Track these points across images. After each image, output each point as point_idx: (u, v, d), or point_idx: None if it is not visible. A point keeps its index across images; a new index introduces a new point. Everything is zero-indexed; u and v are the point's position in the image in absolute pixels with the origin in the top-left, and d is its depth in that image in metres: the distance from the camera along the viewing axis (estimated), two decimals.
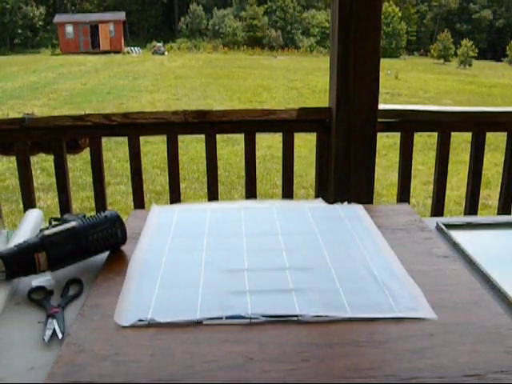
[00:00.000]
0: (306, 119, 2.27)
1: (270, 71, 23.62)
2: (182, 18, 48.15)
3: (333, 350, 0.76)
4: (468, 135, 2.36)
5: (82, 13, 43.56)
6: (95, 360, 0.73)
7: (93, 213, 1.11)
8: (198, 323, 0.82)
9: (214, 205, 1.49)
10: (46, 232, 0.97)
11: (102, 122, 2.19)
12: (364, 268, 0.98)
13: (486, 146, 2.33)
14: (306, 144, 7.08)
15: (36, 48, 40.19)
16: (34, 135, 2.24)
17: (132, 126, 2.21)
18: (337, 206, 1.32)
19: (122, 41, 38.38)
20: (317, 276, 0.96)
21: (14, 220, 4.97)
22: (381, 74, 2.12)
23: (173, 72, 22.45)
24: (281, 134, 2.28)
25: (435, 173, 2.35)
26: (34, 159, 2.94)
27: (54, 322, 0.83)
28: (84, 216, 1.04)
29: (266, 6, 46.44)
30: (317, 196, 2.29)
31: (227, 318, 0.82)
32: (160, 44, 36.69)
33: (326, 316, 0.83)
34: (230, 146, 8.29)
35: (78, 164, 6.90)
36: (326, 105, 2.26)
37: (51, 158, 2.30)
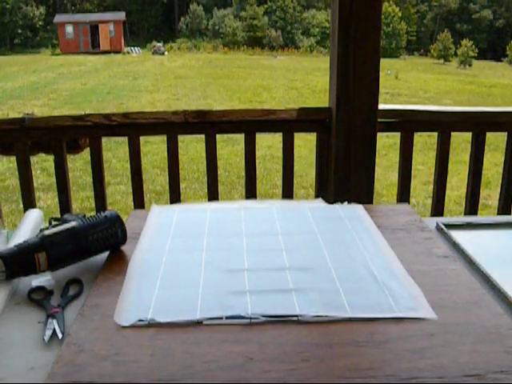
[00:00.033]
0: (306, 119, 2.27)
1: (270, 71, 23.62)
2: (182, 18, 48.16)
3: (333, 350, 0.76)
4: (468, 135, 2.36)
5: (82, 13, 43.56)
6: (95, 360, 0.73)
7: (93, 213, 1.11)
8: (198, 323, 0.82)
9: (213, 205, 1.49)
10: (46, 232, 0.97)
11: (101, 122, 2.19)
12: (364, 268, 0.98)
13: (486, 146, 2.33)
14: (306, 144, 7.08)
15: (36, 48, 40.19)
16: (34, 135, 2.24)
17: (132, 126, 2.21)
18: (337, 206, 1.32)
19: (122, 41, 38.38)
20: (317, 276, 0.96)
21: (14, 220, 4.97)
22: (381, 74, 2.12)
23: (173, 72, 22.45)
24: (281, 134, 2.28)
25: (435, 173, 2.35)
26: (34, 159, 2.94)
27: (54, 322, 0.83)
28: (84, 216, 1.04)
29: (266, 6, 46.44)
30: (317, 196, 2.29)
31: (227, 318, 0.82)
32: (160, 44, 36.69)
33: (326, 316, 0.83)
34: (230, 146, 8.29)
35: (78, 164, 6.90)
36: (326, 105, 2.26)
37: (51, 158, 2.30)
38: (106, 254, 1.05)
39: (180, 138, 2.27)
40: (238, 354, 0.74)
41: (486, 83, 21.78)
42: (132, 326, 0.81)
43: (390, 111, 2.28)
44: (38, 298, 0.91)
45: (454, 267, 0.99)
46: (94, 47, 36.97)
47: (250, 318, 0.82)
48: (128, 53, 35.23)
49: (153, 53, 34.63)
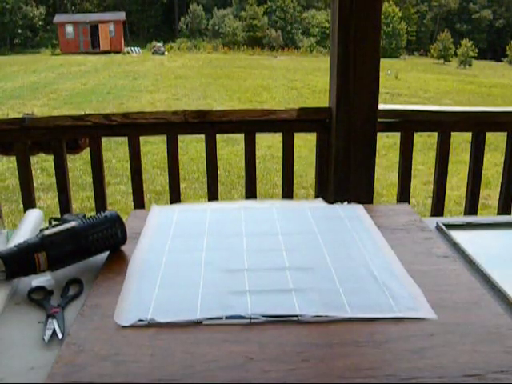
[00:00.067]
0: (306, 119, 2.27)
1: (270, 71, 23.62)
2: (182, 18, 48.15)
3: (333, 350, 0.76)
4: (468, 135, 2.36)
5: (82, 13, 43.56)
6: (95, 360, 0.73)
7: (93, 213, 1.11)
8: (198, 323, 0.82)
9: (214, 205, 1.49)
10: (46, 232, 0.97)
11: (101, 122, 2.19)
12: (364, 268, 0.98)
13: (486, 146, 2.33)
14: (306, 144, 7.08)
15: (36, 48, 40.19)
16: (34, 135, 2.24)
17: (132, 126, 2.21)
18: (337, 206, 1.32)
19: (122, 41, 38.38)
20: (317, 276, 0.96)
21: (14, 220, 4.97)
22: (381, 74, 2.12)
23: (173, 72, 22.45)
24: (281, 134, 2.28)
25: (435, 173, 2.35)
26: (34, 159, 2.94)
27: (54, 321, 0.83)
28: (84, 216, 1.04)
29: (265, 6, 46.43)
30: (317, 196, 2.29)
31: (227, 317, 0.82)
32: (160, 44, 36.69)
33: (326, 316, 0.83)
34: (230, 146, 8.29)
35: (78, 164, 6.90)
36: (326, 105, 2.26)
37: (51, 158, 2.30)
38: (106, 254, 1.05)
39: (180, 138, 2.27)
40: (237, 354, 0.74)
41: (486, 83, 21.78)
42: (132, 326, 0.81)
43: (390, 111, 2.28)
44: (38, 298, 0.91)
45: (454, 267, 0.99)
46: (94, 47, 36.97)
47: (250, 318, 0.82)
48: (128, 53, 35.22)
49: (153, 53, 34.63)
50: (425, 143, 7.90)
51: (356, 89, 2.11)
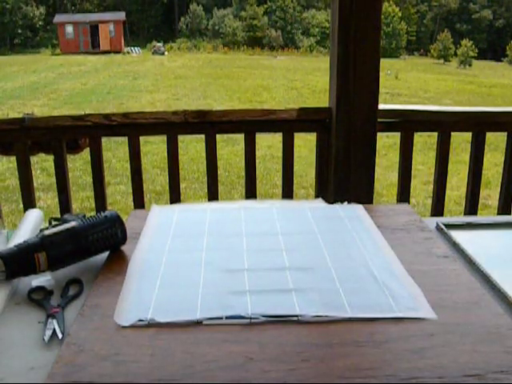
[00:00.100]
0: (306, 119, 2.27)
1: (270, 71, 23.62)
2: (182, 18, 48.15)
3: (333, 350, 0.76)
4: (468, 135, 2.36)
5: (82, 13, 43.56)
6: (95, 360, 0.73)
7: (93, 213, 1.11)
8: (198, 323, 0.82)
9: (214, 205, 1.49)
10: (46, 232, 0.97)
11: (101, 122, 2.19)
12: (364, 268, 0.98)
13: (486, 146, 2.33)
14: (306, 144, 7.08)
15: (36, 48, 40.19)
16: (34, 135, 2.24)
17: (132, 126, 2.21)
18: (337, 206, 1.32)
19: (122, 41, 38.38)
20: (317, 276, 0.96)
21: (14, 220, 4.97)
22: (381, 74, 2.12)
23: (173, 72, 22.45)
24: (281, 134, 2.28)
25: (435, 173, 2.35)
26: (34, 159, 2.94)
27: (54, 322, 0.83)
28: (84, 216, 1.04)
29: (265, 6, 46.43)
30: (317, 196, 2.29)
31: (227, 317, 0.82)
32: (160, 44, 36.69)
33: (326, 316, 0.83)
34: (230, 146, 8.29)
35: (78, 164, 6.90)
36: (326, 105, 2.26)
37: (51, 158, 2.30)
38: (106, 254, 1.05)
39: (180, 138, 2.27)
40: (237, 354, 0.74)
41: (486, 83, 21.78)
42: (132, 326, 0.81)
43: (390, 111, 2.28)
44: (38, 298, 0.91)
45: (454, 267, 0.99)
46: (94, 47, 36.97)
47: (250, 318, 0.82)
48: (128, 53, 35.22)
49: (153, 53, 34.62)
50: (425, 143, 7.90)
51: (356, 89, 2.11)
